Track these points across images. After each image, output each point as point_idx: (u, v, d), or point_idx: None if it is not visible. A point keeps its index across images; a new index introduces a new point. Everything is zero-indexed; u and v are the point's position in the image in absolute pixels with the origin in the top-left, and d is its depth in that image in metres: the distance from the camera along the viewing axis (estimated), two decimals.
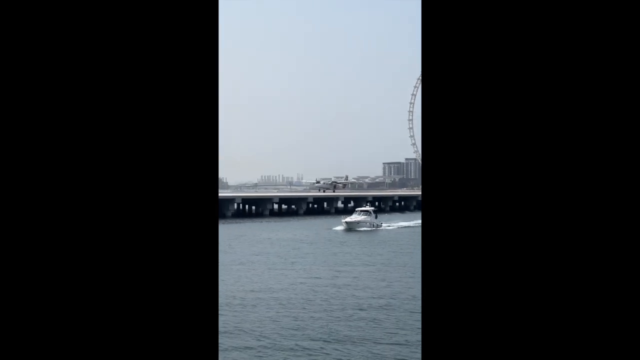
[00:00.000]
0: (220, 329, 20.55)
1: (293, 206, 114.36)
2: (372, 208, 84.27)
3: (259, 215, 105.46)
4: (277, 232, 68.95)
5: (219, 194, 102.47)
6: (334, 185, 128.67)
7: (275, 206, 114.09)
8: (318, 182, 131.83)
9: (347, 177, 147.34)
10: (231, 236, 60.95)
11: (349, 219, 74.81)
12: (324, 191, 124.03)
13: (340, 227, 72.70)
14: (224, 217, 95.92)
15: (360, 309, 25.50)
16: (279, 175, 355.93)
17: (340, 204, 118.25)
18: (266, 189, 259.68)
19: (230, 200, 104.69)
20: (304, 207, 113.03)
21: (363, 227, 72.92)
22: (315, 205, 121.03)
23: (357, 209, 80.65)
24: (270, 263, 40.73)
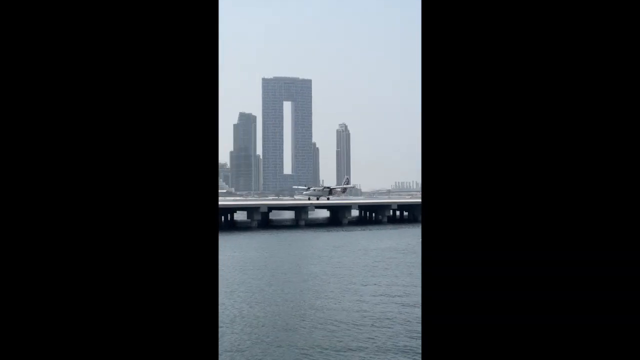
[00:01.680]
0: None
1: (414, 213, 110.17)
2: None
3: (377, 222, 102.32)
4: (379, 240, 64.88)
5: (339, 202, 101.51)
6: (329, 192, 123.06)
7: (398, 213, 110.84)
8: (308, 189, 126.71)
9: (347, 180, 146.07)
10: (330, 246, 58.36)
11: None
12: (317, 198, 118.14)
13: None
14: (340, 224, 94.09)
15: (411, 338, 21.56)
16: (412, 181, 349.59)
17: None
18: (399, 195, 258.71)
19: (347, 207, 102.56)
20: None
21: None
22: None
23: None
24: (349, 278, 37.27)
